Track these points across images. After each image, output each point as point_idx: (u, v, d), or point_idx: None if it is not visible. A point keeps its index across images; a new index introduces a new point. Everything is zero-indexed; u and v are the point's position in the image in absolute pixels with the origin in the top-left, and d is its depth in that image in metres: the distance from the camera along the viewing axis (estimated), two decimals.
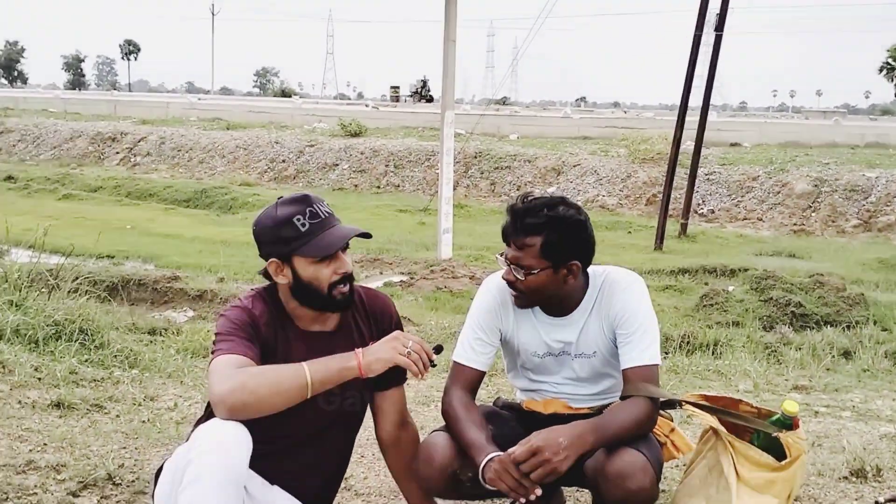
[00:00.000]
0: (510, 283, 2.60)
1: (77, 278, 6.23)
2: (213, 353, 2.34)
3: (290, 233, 2.38)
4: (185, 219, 18.73)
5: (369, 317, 2.59)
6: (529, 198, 2.59)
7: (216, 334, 2.38)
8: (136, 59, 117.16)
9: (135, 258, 12.54)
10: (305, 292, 2.43)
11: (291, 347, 2.44)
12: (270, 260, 2.43)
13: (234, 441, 2.15)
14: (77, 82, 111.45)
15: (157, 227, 16.73)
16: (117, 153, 29.72)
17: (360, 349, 2.32)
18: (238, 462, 2.15)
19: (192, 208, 21.07)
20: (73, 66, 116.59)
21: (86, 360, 4.95)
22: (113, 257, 12.30)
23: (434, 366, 2.37)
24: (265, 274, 2.49)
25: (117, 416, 4.07)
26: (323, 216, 2.42)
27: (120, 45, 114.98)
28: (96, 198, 21.85)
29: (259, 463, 2.31)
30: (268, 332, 2.44)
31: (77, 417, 4.00)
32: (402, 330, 2.62)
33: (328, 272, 2.42)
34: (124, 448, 3.61)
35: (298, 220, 2.39)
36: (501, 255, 2.61)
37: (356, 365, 2.28)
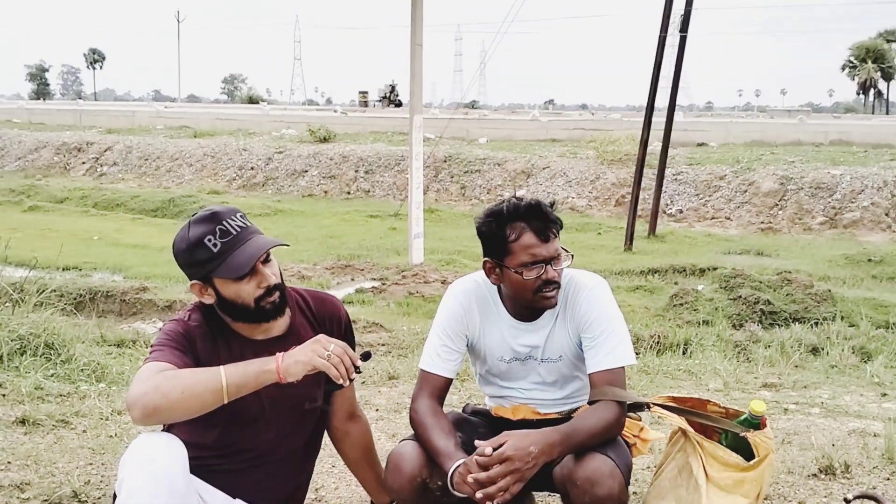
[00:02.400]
0: (555, 282, 2.56)
1: (42, 291, 6.15)
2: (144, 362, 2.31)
3: (202, 255, 2.31)
4: (153, 229, 18.56)
5: (318, 320, 2.55)
6: (519, 198, 2.59)
7: (151, 346, 2.34)
8: (101, 67, 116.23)
9: (102, 269, 12.42)
10: (233, 309, 2.38)
11: (236, 357, 2.35)
12: (192, 283, 2.37)
13: (164, 452, 2.12)
14: (41, 92, 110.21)
15: (125, 238, 16.58)
16: (83, 163, 29.43)
17: (281, 353, 2.24)
18: (168, 473, 2.11)
19: (160, 218, 20.90)
20: (37, 76, 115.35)
21: (51, 375, 4.88)
22: (80, 269, 12.16)
23: (359, 372, 2.30)
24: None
25: (84, 431, 4.01)
26: (235, 231, 2.34)
27: (84, 54, 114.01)
28: (62, 209, 21.61)
29: (220, 478, 2.28)
30: (205, 344, 2.40)
31: (42, 434, 3.94)
32: (352, 332, 2.62)
33: (250, 288, 2.36)
34: (91, 464, 3.56)
35: (210, 240, 2.31)
36: (548, 260, 2.55)
37: (274, 368, 2.20)
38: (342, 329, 2.60)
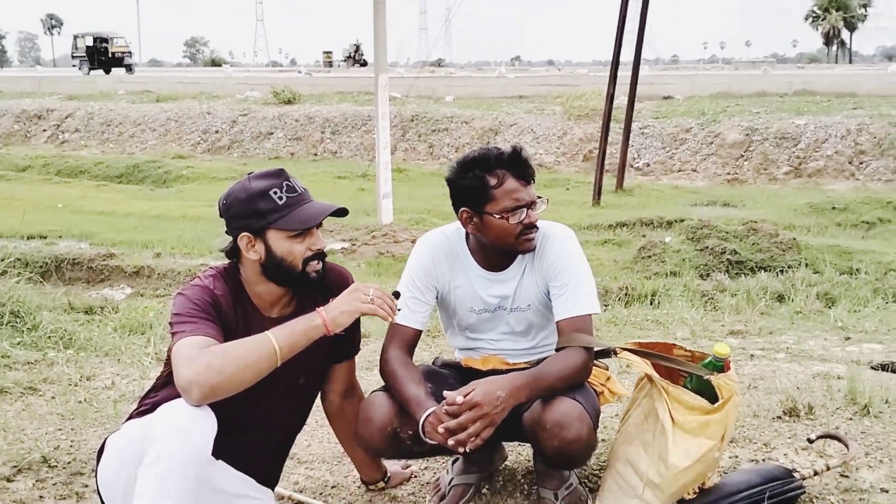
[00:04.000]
0: (535, 226, 2.61)
1: (5, 259, 6.08)
2: (173, 334, 2.25)
3: (266, 205, 2.32)
4: (118, 195, 18.32)
5: (328, 291, 2.51)
6: (494, 146, 2.64)
7: (175, 314, 2.29)
8: (59, 33, 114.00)
9: (68, 237, 12.24)
10: (277, 269, 2.37)
11: (253, 332, 2.33)
12: (242, 234, 2.35)
13: (200, 424, 2.09)
14: None
15: (90, 205, 16.34)
16: (44, 131, 28.91)
17: (321, 307, 2.26)
18: (201, 446, 2.09)
19: (124, 184, 20.62)
20: None
21: (18, 343, 4.84)
22: (45, 237, 12.00)
23: (399, 310, 2.36)
24: (229, 252, 2.42)
25: (52, 397, 3.99)
26: (299, 190, 2.38)
27: (42, 20, 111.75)
28: (24, 177, 21.24)
29: None
30: (229, 313, 2.38)
31: (10, 401, 3.91)
32: None
33: (302, 248, 2.37)
34: (60, 430, 3.54)
35: (275, 192, 2.33)
36: (529, 205, 2.59)
37: (321, 323, 2.23)
38: None
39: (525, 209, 2.56)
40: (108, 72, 45.94)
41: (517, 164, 2.57)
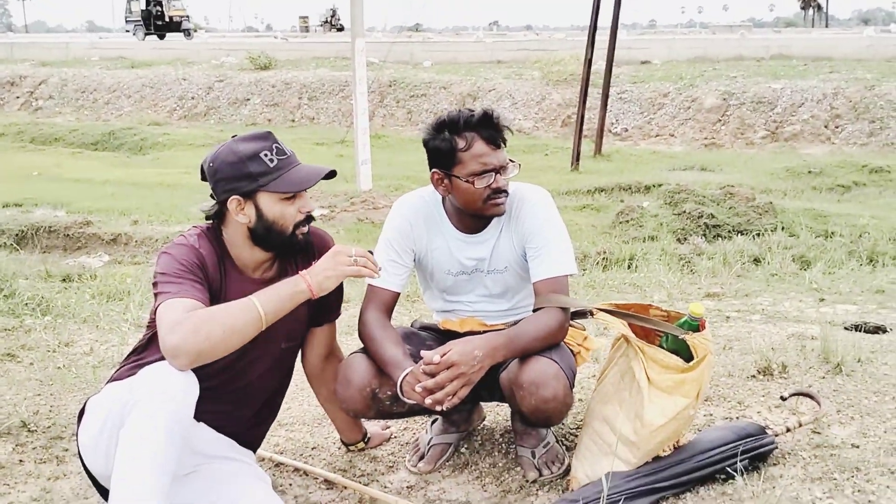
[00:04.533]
0: (504, 191, 2.61)
1: None
2: (156, 294, 2.24)
3: (257, 168, 2.31)
4: (94, 162, 18.15)
5: (310, 254, 2.52)
6: (467, 108, 2.63)
7: (159, 273, 2.28)
8: None
9: (44, 205, 12.13)
10: (267, 233, 2.36)
11: (236, 294, 2.34)
12: (232, 197, 2.33)
13: (183, 387, 2.09)
14: None
15: (66, 173, 16.17)
16: (17, 97, 28.54)
17: (304, 271, 2.26)
18: (184, 408, 2.09)
19: (100, 151, 20.41)
20: None
21: None
22: (21, 205, 11.89)
23: (381, 268, 2.38)
24: (213, 215, 2.41)
25: (31, 363, 3.99)
26: (288, 153, 2.36)
27: None
28: None
29: None
30: (214, 274, 2.37)
31: None
32: None
33: (293, 210, 2.36)
34: (39, 395, 3.54)
35: (266, 155, 2.32)
36: (497, 170, 2.58)
37: (306, 287, 2.23)
38: None
39: (493, 174, 2.56)
40: (161, 37, 42.90)
41: (487, 127, 2.57)
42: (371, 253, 2.39)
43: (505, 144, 2.60)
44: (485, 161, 2.55)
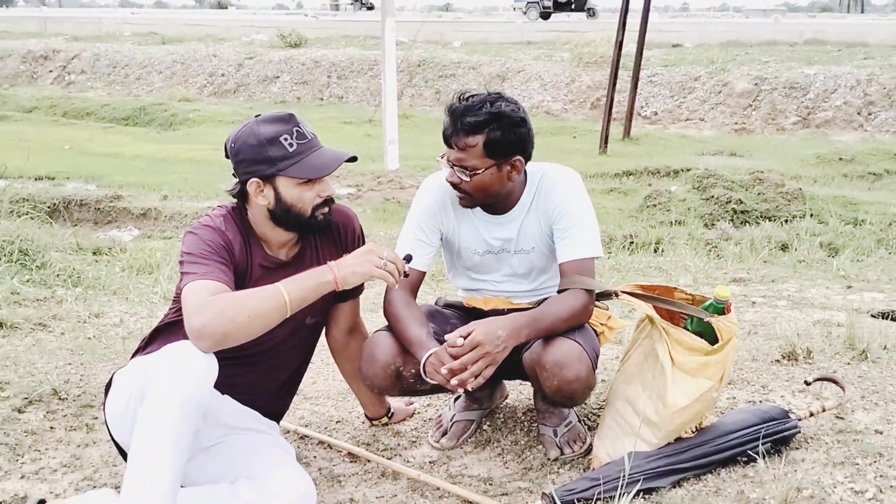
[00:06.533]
0: (455, 185, 2.60)
1: (12, 199, 6.11)
2: (183, 274, 2.27)
3: (277, 152, 2.32)
4: (124, 137, 18.27)
5: (332, 233, 2.56)
6: (467, 96, 2.58)
7: (186, 253, 2.30)
8: None
9: (75, 178, 12.25)
10: (286, 215, 2.38)
11: (261, 274, 2.40)
12: (252, 180, 2.35)
13: (202, 366, 2.12)
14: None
15: (97, 147, 16.30)
16: (50, 72, 28.74)
17: (333, 262, 2.27)
18: (202, 387, 2.12)
19: (131, 126, 20.54)
20: None
21: (27, 281, 4.91)
22: (53, 178, 12.01)
23: (407, 276, 2.38)
24: (237, 194, 2.43)
25: (62, 333, 4.06)
26: (309, 136, 2.37)
27: None
28: (31, 118, 21.16)
29: None
30: (240, 256, 2.39)
31: (21, 337, 3.98)
32: (364, 242, 2.60)
33: (312, 194, 2.38)
34: (69, 364, 3.61)
35: (286, 139, 2.32)
36: (442, 156, 2.61)
37: (332, 279, 2.24)
38: (355, 241, 2.61)
39: (450, 167, 2.59)
40: (546, 17, 37.34)
41: (451, 119, 2.57)
42: (409, 259, 2.41)
43: (462, 146, 2.54)
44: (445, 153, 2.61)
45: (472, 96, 2.57)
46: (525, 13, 39.12)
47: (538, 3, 38.43)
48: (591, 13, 38.12)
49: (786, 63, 20.49)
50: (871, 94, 18.43)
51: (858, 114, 18.27)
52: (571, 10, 38.30)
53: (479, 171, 2.54)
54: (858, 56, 21.05)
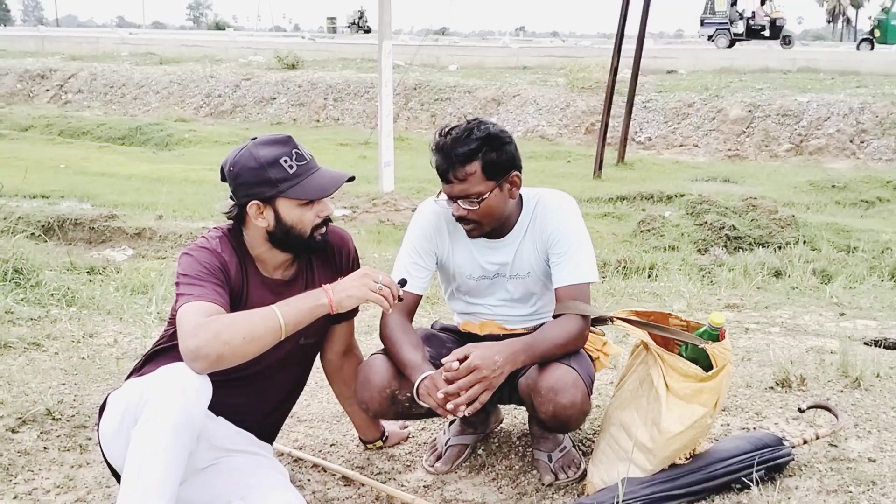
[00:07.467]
0: (462, 219, 2.61)
1: (7, 217, 6.11)
2: (178, 294, 2.27)
3: (277, 174, 2.32)
4: (120, 156, 18.29)
5: (327, 254, 2.57)
6: (448, 129, 2.61)
7: (182, 275, 2.30)
8: None
9: (70, 197, 12.26)
10: (286, 236, 2.39)
11: (256, 295, 2.40)
12: (252, 202, 2.35)
13: (196, 388, 2.12)
14: (1, 18, 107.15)
15: (92, 166, 16.31)
16: (47, 91, 28.81)
17: (328, 286, 2.29)
18: (196, 409, 2.12)
19: (127, 146, 20.55)
20: None
21: (21, 300, 4.89)
22: (47, 197, 12.01)
23: (401, 300, 2.39)
24: (234, 216, 2.43)
25: (56, 353, 4.05)
26: (307, 158, 2.38)
27: None
28: (27, 137, 21.18)
29: None
30: (236, 278, 2.40)
31: (14, 356, 3.97)
32: (358, 263, 2.62)
33: (311, 215, 2.39)
34: (63, 384, 3.60)
35: (286, 161, 2.33)
36: (439, 194, 2.63)
37: (327, 303, 2.25)
38: (350, 262, 2.62)
39: (452, 202, 2.62)
40: (732, 45, 34.53)
41: (442, 158, 2.60)
42: (403, 283, 2.44)
43: (461, 177, 2.56)
44: (444, 188, 2.63)
45: (454, 128, 2.59)
46: (712, 39, 36.28)
47: (728, 29, 35.52)
48: (787, 41, 35.10)
49: (779, 90, 20.63)
50: (864, 122, 18.56)
51: (851, 141, 18.39)
52: (766, 38, 35.43)
53: (486, 196, 2.56)
54: (851, 84, 21.22)
